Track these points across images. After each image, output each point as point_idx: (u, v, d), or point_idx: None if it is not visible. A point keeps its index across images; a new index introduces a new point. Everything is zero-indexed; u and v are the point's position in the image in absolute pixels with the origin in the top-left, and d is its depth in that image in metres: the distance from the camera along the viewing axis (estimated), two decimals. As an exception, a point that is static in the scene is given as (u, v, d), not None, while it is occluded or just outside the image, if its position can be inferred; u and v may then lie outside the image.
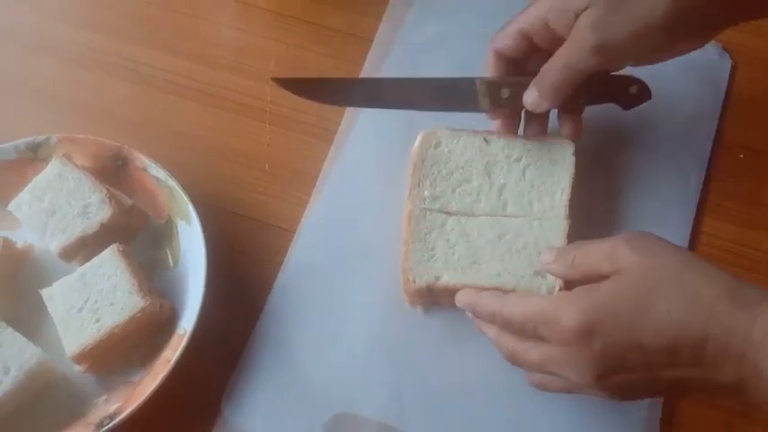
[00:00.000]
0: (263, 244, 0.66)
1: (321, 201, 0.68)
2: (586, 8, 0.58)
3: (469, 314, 0.58)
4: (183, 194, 0.64)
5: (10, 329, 0.59)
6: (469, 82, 0.63)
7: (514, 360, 0.55)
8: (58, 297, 0.60)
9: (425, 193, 0.64)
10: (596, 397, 0.52)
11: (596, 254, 0.53)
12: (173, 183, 0.64)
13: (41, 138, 0.67)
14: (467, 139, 0.65)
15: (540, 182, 0.64)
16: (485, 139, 0.65)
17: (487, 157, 0.65)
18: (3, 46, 0.76)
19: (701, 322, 0.48)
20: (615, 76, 0.64)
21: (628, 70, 0.63)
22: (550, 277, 0.60)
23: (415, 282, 0.61)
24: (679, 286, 0.49)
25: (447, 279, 0.61)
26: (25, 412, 0.59)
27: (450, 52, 0.74)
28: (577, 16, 0.58)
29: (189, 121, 0.72)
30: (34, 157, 0.66)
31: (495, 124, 0.66)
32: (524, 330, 0.53)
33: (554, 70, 0.60)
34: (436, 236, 0.62)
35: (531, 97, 0.62)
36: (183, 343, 0.58)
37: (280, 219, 0.68)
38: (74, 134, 0.67)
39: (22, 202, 0.64)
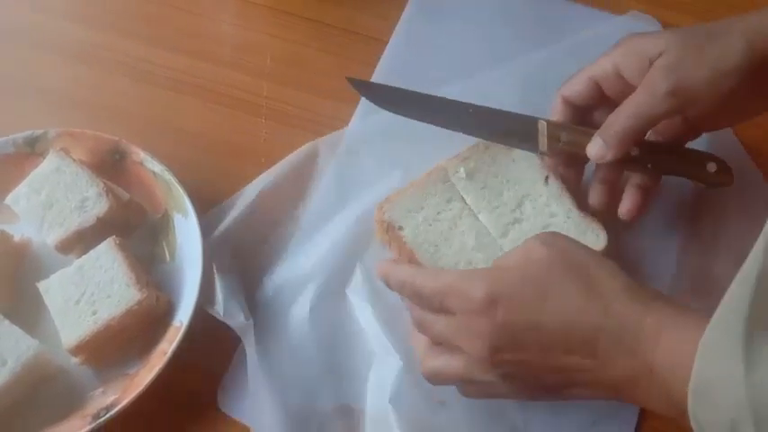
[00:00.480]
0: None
1: (319, 192, 0.68)
2: (660, 54, 0.57)
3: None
4: (180, 188, 0.64)
5: (7, 322, 0.59)
6: (532, 121, 0.63)
7: (422, 329, 0.55)
8: (56, 289, 0.61)
9: (462, 168, 0.64)
10: (484, 391, 0.54)
11: (513, 252, 0.54)
12: (169, 177, 0.65)
13: (39, 132, 0.67)
14: (529, 160, 0.65)
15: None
16: (546, 180, 0.64)
17: (530, 189, 0.64)
18: (3, 42, 0.76)
19: (598, 313, 0.49)
20: (692, 150, 0.63)
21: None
22: None
23: (384, 213, 0.63)
24: (582, 277, 0.51)
25: (405, 234, 0.62)
26: (22, 404, 0.59)
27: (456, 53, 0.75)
28: (651, 62, 0.58)
29: (186, 116, 0.72)
30: (32, 151, 0.67)
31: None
32: (432, 302, 0.53)
33: (623, 116, 0.59)
34: (435, 203, 0.63)
35: (595, 147, 0.60)
36: (180, 335, 0.59)
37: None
38: (71, 128, 0.67)
39: (20, 196, 0.64)
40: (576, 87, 0.63)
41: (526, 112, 0.65)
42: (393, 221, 0.63)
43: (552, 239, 0.53)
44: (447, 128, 0.65)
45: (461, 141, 0.66)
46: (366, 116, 0.71)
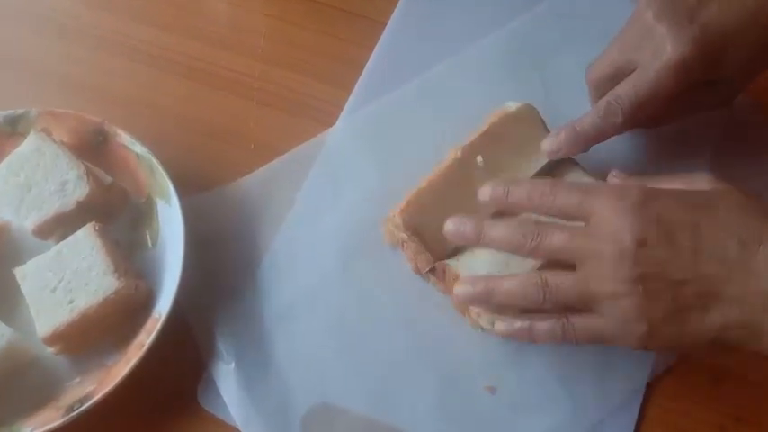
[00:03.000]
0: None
1: (308, 183, 0.66)
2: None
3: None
4: (164, 173, 0.62)
5: (-19, 309, 0.57)
6: None
7: (529, 246, 0.52)
8: (32, 276, 0.59)
9: (479, 158, 0.61)
10: (588, 323, 0.52)
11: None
12: (153, 161, 0.62)
13: (21, 111, 0.65)
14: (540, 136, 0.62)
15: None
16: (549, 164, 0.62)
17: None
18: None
19: (761, 227, 0.49)
20: None
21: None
22: None
23: (400, 215, 0.59)
24: (736, 197, 0.51)
25: (423, 238, 0.59)
26: (-5, 394, 0.57)
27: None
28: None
29: (174, 97, 0.70)
30: (13, 131, 0.64)
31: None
32: (568, 205, 0.52)
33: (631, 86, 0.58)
34: (455, 202, 0.59)
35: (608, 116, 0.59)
36: (158, 327, 0.56)
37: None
38: (55, 108, 0.65)
39: (-1, 177, 0.62)
40: (602, 65, 0.61)
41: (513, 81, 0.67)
42: (418, 227, 0.59)
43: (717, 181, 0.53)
44: None
45: (451, 137, 0.63)
46: (354, 110, 0.69)
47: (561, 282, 0.52)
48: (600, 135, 0.59)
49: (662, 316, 0.49)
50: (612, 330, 0.52)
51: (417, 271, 0.61)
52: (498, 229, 0.54)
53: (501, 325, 0.56)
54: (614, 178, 0.58)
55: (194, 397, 0.58)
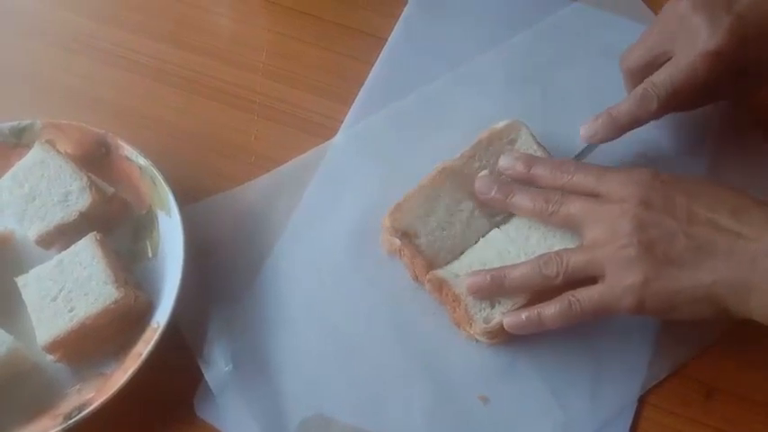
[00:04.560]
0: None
1: (308, 192, 0.66)
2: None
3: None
4: (165, 185, 0.62)
5: (-18, 317, 0.58)
6: None
7: (551, 210, 0.58)
8: (33, 285, 0.60)
9: (469, 168, 0.63)
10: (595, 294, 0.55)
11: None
12: (155, 173, 0.63)
13: (26, 122, 0.66)
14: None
15: (552, 233, 0.61)
16: None
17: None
18: (-7, 30, 0.75)
19: (746, 201, 0.54)
20: None
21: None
22: (497, 310, 0.59)
23: (395, 221, 0.61)
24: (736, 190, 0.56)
25: (420, 243, 0.61)
26: (-5, 400, 0.58)
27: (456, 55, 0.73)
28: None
29: (176, 110, 0.71)
30: (18, 142, 0.66)
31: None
32: (585, 182, 0.58)
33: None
34: (445, 205, 0.62)
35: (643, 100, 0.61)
36: (156, 337, 0.57)
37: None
38: (59, 120, 0.66)
39: (3, 188, 0.63)
40: (637, 54, 0.63)
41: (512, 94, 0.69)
42: (404, 226, 0.61)
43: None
44: None
45: (450, 150, 0.65)
46: (356, 122, 0.70)
47: (571, 253, 0.56)
48: (635, 121, 0.62)
49: (655, 267, 0.53)
50: (611, 291, 0.55)
51: (416, 278, 0.62)
52: (523, 194, 0.60)
53: (509, 318, 0.58)
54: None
55: (191, 406, 0.59)
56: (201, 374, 0.59)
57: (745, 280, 0.51)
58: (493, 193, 0.61)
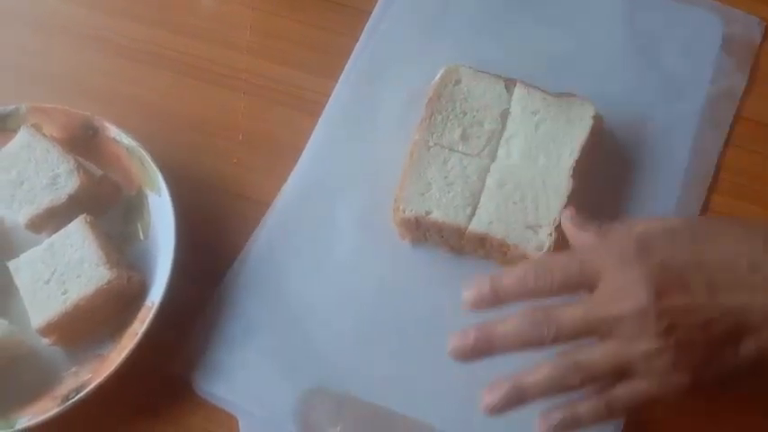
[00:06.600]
0: (235, 215, 0.65)
1: (301, 167, 0.67)
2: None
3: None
4: (153, 165, 0.62)
5: (-24, 302, 0.58)
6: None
7: (549, 336, 0.48)
8: (25, 269, 0.59)
9: (435, 127, 0.63)
10: (633, 389, 0.48)
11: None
12: (143, 153, 0.63)
13: (10, 107, 0.65)
14: (488, 83, 0.65)
15: (551, 138, 0.62)
16: (506, 86, 0.65)
17: (505, 105, 0.64)
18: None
19: (760, 246, 0.48)
20: None
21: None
22: (542, 233, 0.59)
23: (404, 212, 0.60)
24: (730, 226, 0.51)
25: (437, 215, 0.60)
26: (-8, 386, 0.58)
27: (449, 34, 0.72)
28: None
29: (161, 90, 0.70)
30: (3, 127, 0.65)
31: None
32: (569, 276, 0.49)
33: None
34: (435, 171, 0.62)
35: None
36: (151, 315, 0.57)
37: (253, 190, 0.66)
38: (44, 104, 0.65)
39: (-10, 174, 0.63)
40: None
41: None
42: (415, 211, 0.60)
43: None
44: None
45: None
46: (340, 99, 0.69)
47: (589, 356, 0.49)
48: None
49: (701, 362, 0.48)
50: (658, 388, 0.48)
51: (454, 249, 0.62)
52: (506, 328, 0.49)
53: (544, 423, 0.50)
54: (569, 221, 0.57)
55: (189, 383, 0.59)
56: (199, 352, 0.60)
57: None
58: (472, 340, 0.49)
